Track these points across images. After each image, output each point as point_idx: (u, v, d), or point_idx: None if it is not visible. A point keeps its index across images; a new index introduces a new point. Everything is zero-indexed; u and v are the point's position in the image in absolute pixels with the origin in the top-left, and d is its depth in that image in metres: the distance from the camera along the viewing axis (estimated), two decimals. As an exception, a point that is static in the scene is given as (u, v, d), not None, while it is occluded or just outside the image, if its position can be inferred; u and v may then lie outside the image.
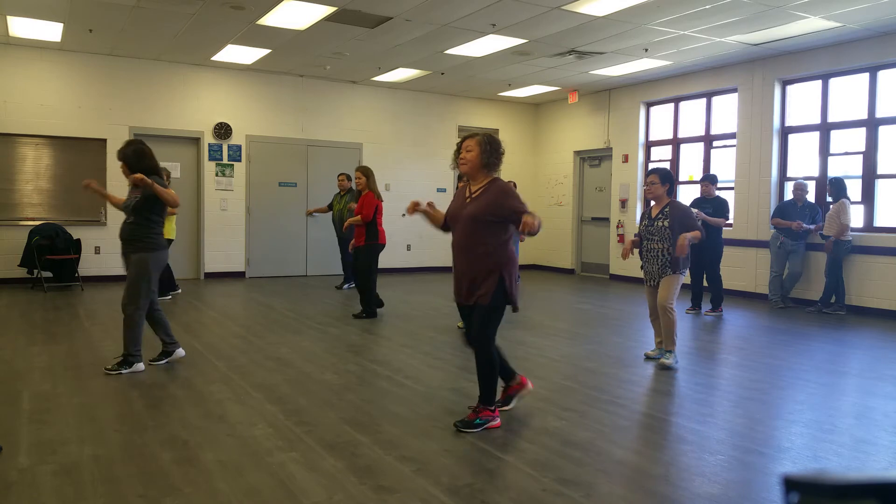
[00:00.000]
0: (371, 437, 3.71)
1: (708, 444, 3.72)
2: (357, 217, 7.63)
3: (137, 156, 5.05)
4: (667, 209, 5.57)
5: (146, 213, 5.02)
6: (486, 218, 3.85)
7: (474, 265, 3.87)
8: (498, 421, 3.92)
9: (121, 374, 4.98)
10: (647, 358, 5.80)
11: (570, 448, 3.59)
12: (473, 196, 3.96)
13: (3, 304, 8.17)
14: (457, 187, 6.42)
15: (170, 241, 9.15)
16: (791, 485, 0.70)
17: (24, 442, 3.57)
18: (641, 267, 5.76)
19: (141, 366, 5.10)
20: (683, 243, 5.33)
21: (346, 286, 10.31)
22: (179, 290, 9.40)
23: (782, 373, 5.41)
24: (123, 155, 5.04)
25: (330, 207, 10.60)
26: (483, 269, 3.85)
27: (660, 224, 5.53)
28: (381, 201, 7.80)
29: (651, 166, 11.71)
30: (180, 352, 5.43)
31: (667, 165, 11.34)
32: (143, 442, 3.59)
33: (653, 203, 5.73)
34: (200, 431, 3.78)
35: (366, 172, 7.84)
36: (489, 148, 3.95)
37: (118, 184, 10.44)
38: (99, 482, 3.07)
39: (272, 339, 6.36)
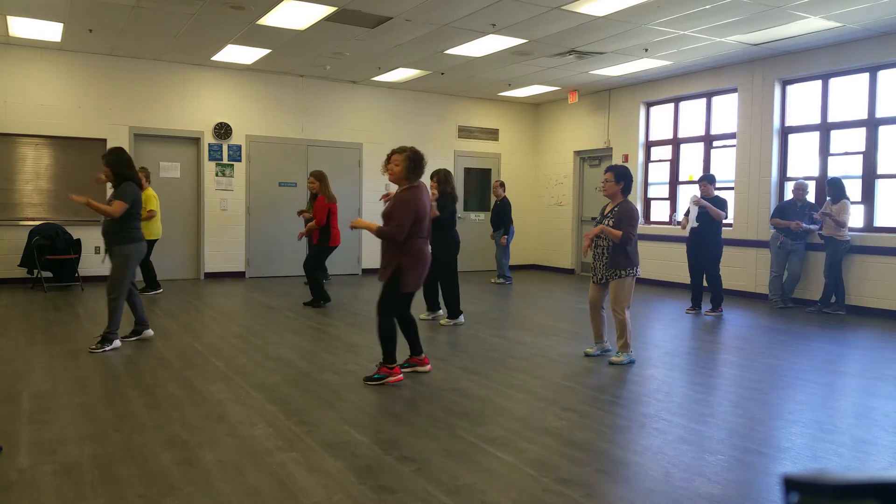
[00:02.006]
0: (371, 437, 3.71)
1: (708, 444, 3.72)
2: (312, 224, 8.25)
3: (120, 164, 5.82)
4: (616, 209, 5.53)
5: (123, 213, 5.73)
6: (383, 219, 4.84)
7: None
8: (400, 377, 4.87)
9: (105, 351, 5.68)
10: (587, 355, 5.80)
11: (570, 448, 3.60)
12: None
13: (3, 304, 8.17)
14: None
15: (155, 240, 9.24)
16: (791, 485, 0.70)
17: (24, 442, 3.57)
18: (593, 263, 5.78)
19: (118, 342, 5.83)
20: (591, 233, 5.47)
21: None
22: (161, 291, 9.40)
23: (782, 373, 5.41)
24: (108, 161, 5.81)
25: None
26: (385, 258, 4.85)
27: (607, 222, 5.52)
28: (335, 203, 8.34)
29: (651, 166, 11.73)
30: (149, 332, 6.20)
31: (667, 165, 11.35)
32: (143, 442, 3.59)
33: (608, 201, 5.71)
34: (200, 431, 3.78)
35: (319, 177, 8.40)
36: (411, 163, 4.86)
37: (118, 184, 10.49)
38: (99, 482, 3.07)
39: (272, 339, 6.36)
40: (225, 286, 10.33)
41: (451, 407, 4.32)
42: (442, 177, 7.42)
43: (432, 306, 7.58)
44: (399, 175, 4.86)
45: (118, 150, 5.91)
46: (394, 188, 5.13)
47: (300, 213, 10.62)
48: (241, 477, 3.15)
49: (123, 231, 5.70)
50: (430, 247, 5.02)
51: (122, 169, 5.79)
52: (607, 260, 5.51)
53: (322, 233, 8.23)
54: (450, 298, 7.31)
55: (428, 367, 5.19)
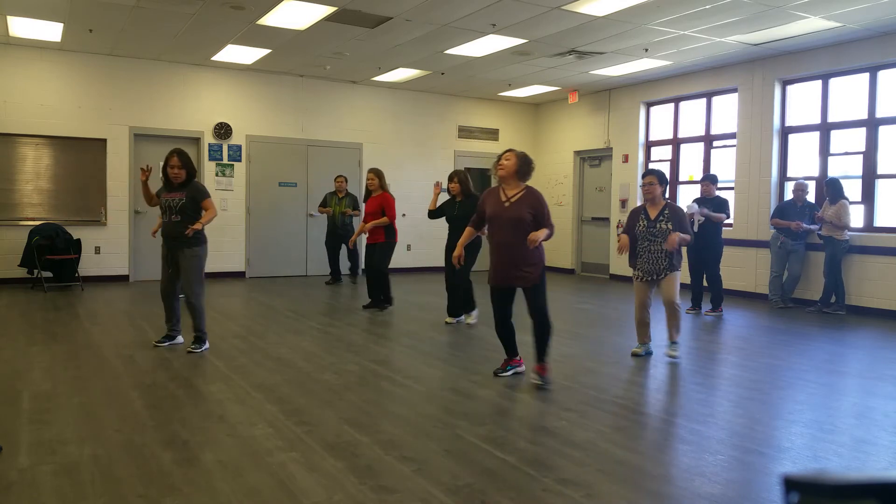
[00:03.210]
0: (371, 437, 3.71)
1: (708, 444, 3.72)
2: (384, 219, 7.90)
3: (191, 162, 5.79)
4: (666, 211, 5.68)
5: (191, 213, 5.67)
6: (527, 219, 4.75)
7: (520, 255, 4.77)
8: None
9: (201, 351, 5.71)
10: (635, 355, 5.83)
11: (570, 448, 3.59)
12: (512, 200, 4.80)
13: (3, 304, 8.17)
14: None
15: None
16: (791, 485, 0.70)
17: (24, 442, 3.56)
18: (635, 265, 5.82)
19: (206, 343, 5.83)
20: (675, 239, 5.53)
21: (339, 282, 10.83)
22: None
23: (782, 373, 5.41)
24: (183, 161, 5.71)
25: (322, 206, 10.80)
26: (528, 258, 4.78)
27: (662, 226, 5.65)
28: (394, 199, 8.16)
29: (651, 166, 11.72)
30: (180, 339, 5.98)
31: (667, 165, 11.35)
32: (143, 442, 3.59)
33: (647, 204, 5.78)
34: (200, 431, 3.78)
35: (378, 174, 8.09)
36: (523, 164, 4.85)
37: (118, 183, 10.48)
38: (99, 482, 3.07)
39: (272, 339, 6.36)
40: (225, 286, 10.32)
41: (451, 407, 4.32)
42: (463, 177, 7.37)
43: (460, 310, 7.43)
44: (510, 170, 4.83)
45: (182, 152, 5.80)
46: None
47: (321, 210, 10.77)
48: (241, 477, 3.15)
49: (196, 232, 5.60)
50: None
51: (192, 167, 5.77)
52: (670, 260, 5.64)
53: (388, 229, 8.02)
54: (467, 296, 7.28)
55: (522, 368, 5.16)
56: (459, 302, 7.34)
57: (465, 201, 7.12)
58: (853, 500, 0.68)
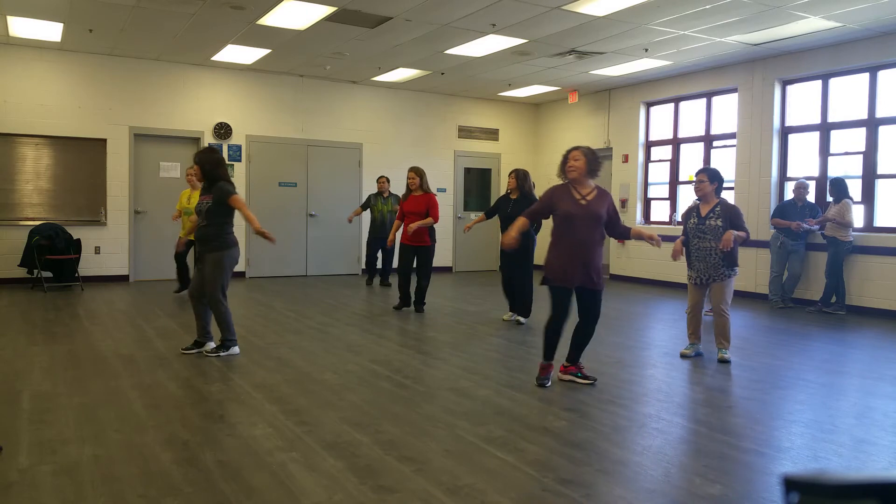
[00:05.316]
0: (371, 437, 3.71)
1: (708, 444, 3.72)
2: (429, 219, 7.81)
3: (213, 164, 5.55)
4: (717, 208, 5.67)
5: (218, 217, 5.51)
6: (604, 218, 4.77)
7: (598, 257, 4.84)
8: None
9: (219, 356, 5.55)
10: (684, 356, 5.85)
11: (570, 448, 3.59)
12: (588, 199, 4.76)
13: (3, 304, 8.17)
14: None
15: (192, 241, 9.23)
16: (791, 485, 0.70)
17: (24, 442, 3.56)
18: (690, 266, 5.84)
19: (236, 349, 5.68)
20: (730, 238, 5.49)
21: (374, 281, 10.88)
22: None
23: (782, 373, 5.41)
24: (200, 160, 5.55)
25: (364, 208, 10.75)
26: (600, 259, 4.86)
27: (711, 223, 5.63)
28: None
29: (651, 166, 11.73)
30: (210, 345, 5.74)
31: (667, 166, 11.35)
32: (143, 442, 3.59)
33: (700, 202, 5.81)
34: (200, 431, 3.78)
35: (419, 173, 8.02)
36: (590, 162, 4.78)
37: (118, 183, 10.49)
38: (99, 482, 3.07)
39: (272, 339, 6.36)
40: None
41: (451, 407, 4.32)
42: (522, 175, 7.37)
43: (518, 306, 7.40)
44: (581, 170, 4.76)
45: (215, 151, 5.69)
46: None
47: (351, 218, 10.76)
48: (241, 477, 3.15)
49: (217, 237, 5.48)
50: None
51: (211, 167, 5.54)
52: (722, 258, 5.62)
53: (432, 230, 7.93)
54: (525, 297, 7.27)
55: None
56: (518, 298, 7.31)
57: (520, 200, 7.14)
58: (853, 500, 0.68)
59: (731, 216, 5.62)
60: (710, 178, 5.70)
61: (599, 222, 4.75)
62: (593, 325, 4.93)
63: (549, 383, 4.86)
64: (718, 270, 5.65)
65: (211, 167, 5.52)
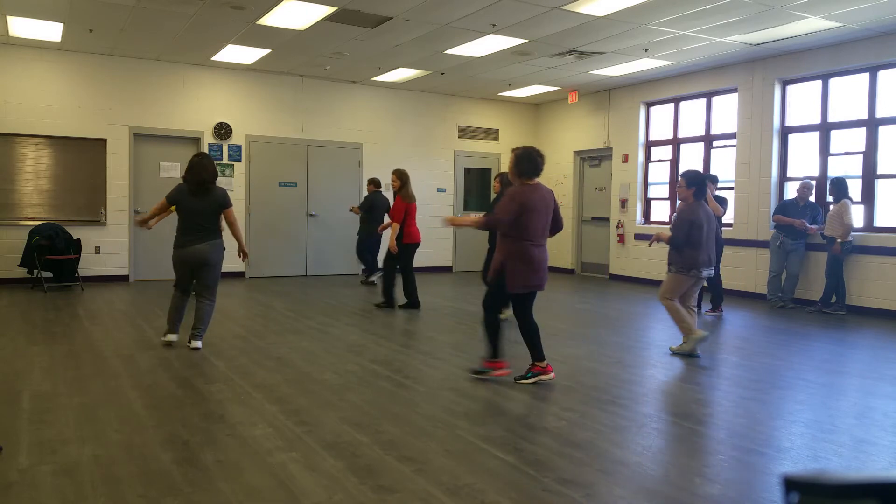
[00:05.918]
0: (371, 437, 3.71)
1: (708, 444, 3.72)
2: (387, 223, 7.90)
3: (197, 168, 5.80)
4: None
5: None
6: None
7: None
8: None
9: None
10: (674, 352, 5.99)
11: (570, 448, 3.60)
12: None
13: (3, 304, 8.17)
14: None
15: None
16: (791, 485, 0.70)
17: (24, 442, 3.56)
18: None
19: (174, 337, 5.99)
20: (654, 234, 5.92)
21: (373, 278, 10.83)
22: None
23: (782, 373, 5.41)
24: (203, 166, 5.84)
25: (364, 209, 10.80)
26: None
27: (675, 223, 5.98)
28: (413, 203, 8.15)
29: (651, 166, 11.74)
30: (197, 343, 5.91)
31: (667, 166, 11.35)
32: (143, 442, 3.59)
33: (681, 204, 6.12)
34: (200, 431, 3.78)
35: (400, 176, 8.24)
36: (517, 160, 5.08)
37: (118, 183, 10.49)
38: (99, 482, 3.07)
39: (272, 339, 6.36)
40: (225, 286, 10.30)
41: (451, 407, 4.32)
42: (506, 179, 7.39)
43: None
44: (511, 172, 5.17)
45: (205, 155, 6.01)
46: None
47: (352, 209, 10.87)
48: (240, 477, 3.15)
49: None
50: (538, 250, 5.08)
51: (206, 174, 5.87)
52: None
53: (400, 231, 8.15)
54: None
55: (552, 375, 4.95)
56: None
57: None
58: (853, 500, 0.68)
59: (675, 220, 5.93)
60: (687, 183, 5.92)
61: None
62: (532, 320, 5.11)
63: (531, 380, 4.98)
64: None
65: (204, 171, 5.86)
